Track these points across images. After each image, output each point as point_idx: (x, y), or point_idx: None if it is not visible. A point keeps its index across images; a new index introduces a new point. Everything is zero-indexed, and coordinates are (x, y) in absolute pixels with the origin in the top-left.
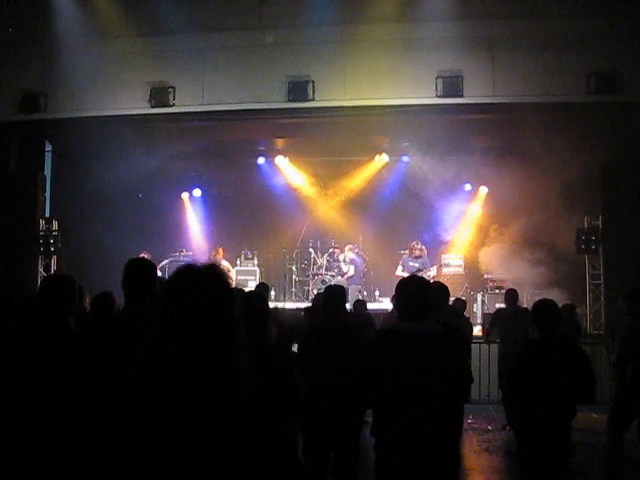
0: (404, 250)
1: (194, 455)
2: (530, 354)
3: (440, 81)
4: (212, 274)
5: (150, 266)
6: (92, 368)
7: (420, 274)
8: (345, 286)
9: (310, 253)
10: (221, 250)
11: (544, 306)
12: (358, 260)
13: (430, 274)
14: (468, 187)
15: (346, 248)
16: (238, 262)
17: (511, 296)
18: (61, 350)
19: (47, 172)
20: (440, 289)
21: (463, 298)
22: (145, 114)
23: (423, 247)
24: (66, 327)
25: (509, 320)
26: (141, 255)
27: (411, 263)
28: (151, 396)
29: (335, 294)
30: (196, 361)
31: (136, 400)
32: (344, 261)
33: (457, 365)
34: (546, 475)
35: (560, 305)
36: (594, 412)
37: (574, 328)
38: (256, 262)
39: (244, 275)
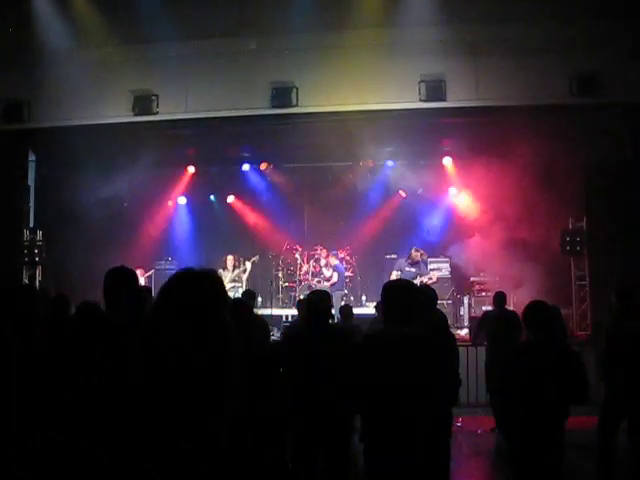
0: (391, 255)
1: (187, 453)
2: (522, 356)
3: (423, 85)
4: (205, 278)
5: (131, 274)
6: (66, 375)
7: (417, 280)
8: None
9: (296, 259)
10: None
11: (536, 308)
12: (341, 266)
13: (425, 280)
14: (452, 190)
15: (331, 254)
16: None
17: (499, 299)
18: (24, 360)
19: (31, 182)
20: (427, 293)
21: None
22: (129, 122)
23: (422, 252)
24: (28, 337)
25: (497, 323)
26: (138, 271)
27: (407, 268)
28: (150, 394)
29: (319, 299)
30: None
31: (135, 399)
32: (326, 266)
33: (445, 368)
34: (540, 477)
35: None
36: (583, 413)
37: (560, 330)
38: (242, 269)
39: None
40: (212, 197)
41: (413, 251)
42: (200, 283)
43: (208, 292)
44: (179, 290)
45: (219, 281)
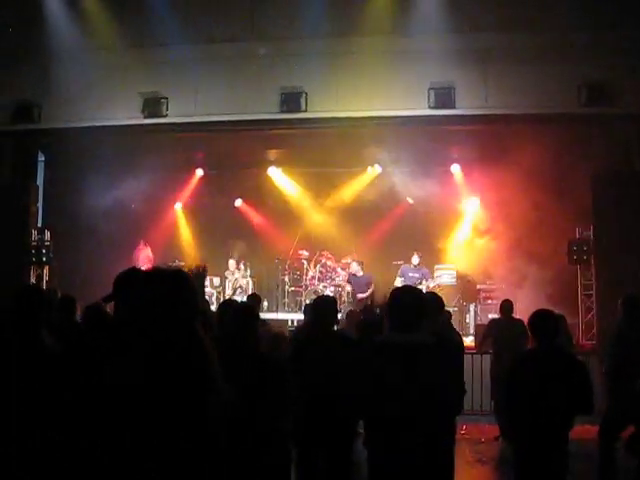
0: (398, 262)
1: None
2: (527, 365)
3: (432, 92)
4: (174, 278)
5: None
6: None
7: (420, 286)
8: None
9: (303, 264)
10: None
11: (542, 316)
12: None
13: (430, 285)
14: (460, 198)
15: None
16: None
17: (506, 307)
18: (25, 360)
19: (40, 182)
20: (433, 300)
21: (448, 310)
22: (138, 125)
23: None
24: (32, 337)
25: (503, 331)
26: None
27: (411, 274)
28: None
29: (325, 305)
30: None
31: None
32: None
33: (450, 377)
34: None
35: None
36: (586, 422)
37: (566, 339)
38: (249, 273)
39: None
40: (219, 200)
41: (415, 254)
42: (178, 279)
43: (187, 289)
44: (163, 288)
45: (190, 279)
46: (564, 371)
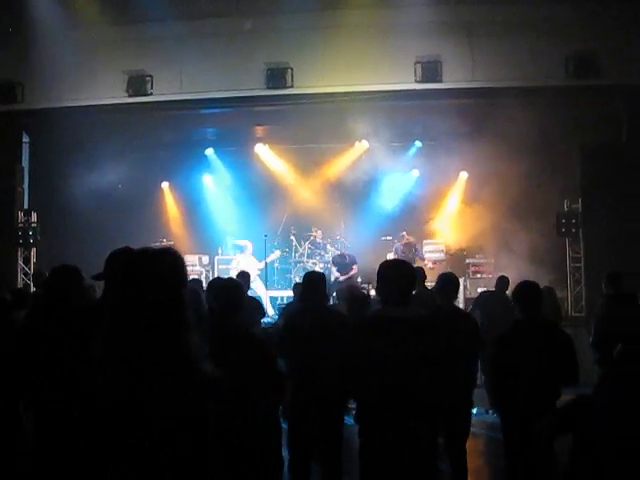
0: (387, 237)
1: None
2: (513, 336)
3: (419, 66)
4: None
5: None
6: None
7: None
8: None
9: (291, 241)
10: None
11: (526, 287)
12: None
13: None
14: (447, 172)
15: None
16: (220, 251)
17: (501, 282)
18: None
19: (25, 164)
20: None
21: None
22: (123, 103)
23: (411, 238)
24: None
25: (491, 303)
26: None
27: (404, 250)
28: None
29: (314, 281)
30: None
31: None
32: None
33: (442, 351)
34: (530, 456)
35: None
36: (577, 393)
37: (554, 310)
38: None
39: (226, 264)
40: (206, 178)
41: (405, 235)
42: (173, 257)
43: (175, 269)
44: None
45: (180, 258)
46: (547, 342)
